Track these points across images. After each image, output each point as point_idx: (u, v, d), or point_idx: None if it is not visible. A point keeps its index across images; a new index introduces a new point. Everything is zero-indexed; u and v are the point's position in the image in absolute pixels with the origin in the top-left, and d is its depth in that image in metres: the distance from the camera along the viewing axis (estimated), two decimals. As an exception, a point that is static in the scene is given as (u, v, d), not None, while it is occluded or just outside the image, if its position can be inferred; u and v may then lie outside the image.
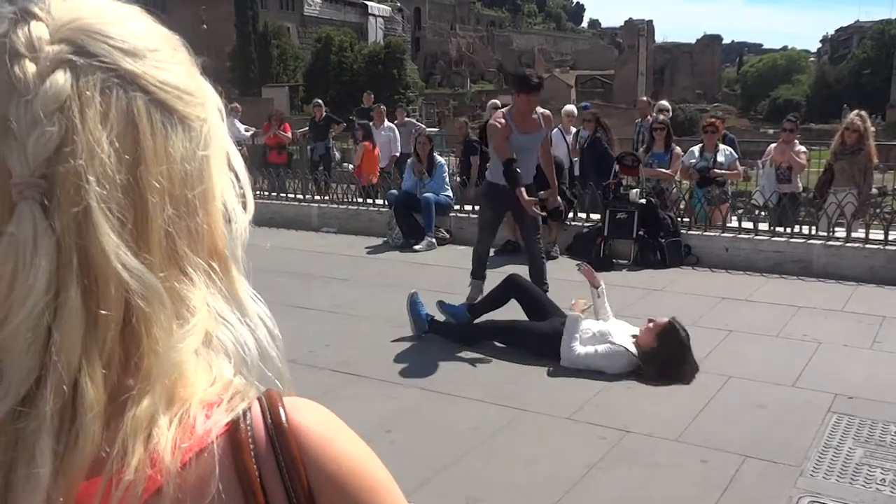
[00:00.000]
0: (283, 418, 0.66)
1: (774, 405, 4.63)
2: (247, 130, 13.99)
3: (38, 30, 0.61)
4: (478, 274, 6.65)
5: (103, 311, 0.60)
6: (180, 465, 0.61)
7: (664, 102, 11.75)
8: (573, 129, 11.18)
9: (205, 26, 59.18)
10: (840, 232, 7.78)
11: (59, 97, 0.59)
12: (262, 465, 0.64)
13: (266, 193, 11.38)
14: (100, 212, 0.59)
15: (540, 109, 6.42)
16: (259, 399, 0.67)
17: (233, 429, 0.64)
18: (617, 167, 9.18)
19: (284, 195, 11.23)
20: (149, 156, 0.62)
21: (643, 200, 8.25)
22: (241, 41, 58.67)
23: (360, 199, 10.64)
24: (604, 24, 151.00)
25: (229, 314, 0.69)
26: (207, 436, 0.63)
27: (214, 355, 0.67)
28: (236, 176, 0.72)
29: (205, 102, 0.69)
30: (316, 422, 0.67)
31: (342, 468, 0.66)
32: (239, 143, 14.32)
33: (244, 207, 0.73)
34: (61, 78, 0.59)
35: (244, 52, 58.16)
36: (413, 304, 5.96)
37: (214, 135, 0.69)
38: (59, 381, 0.58)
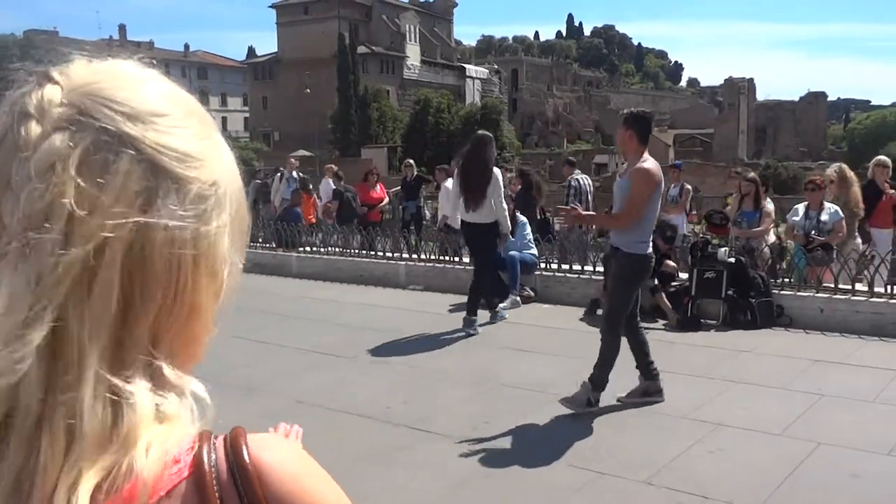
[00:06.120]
0: (246, 458, 0.67)
1: (868, 475, 4.38)
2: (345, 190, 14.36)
3: (51, 93, 0.66)
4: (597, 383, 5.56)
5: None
6: None
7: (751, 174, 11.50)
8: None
9: (308, 90, 61.50)
10: (946, 293, 7.39)
11: (51, 157, 0.63)
12: None
13: (356, 251, 11.63)
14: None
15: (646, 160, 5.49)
16: (224, 438, 0.68)
17: (197, 472, 0.66)
18: (705, 225, 9.02)
19: (374, 253, 11.42)
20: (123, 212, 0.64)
21: (732, 259, 8.04)
22: (343, 104, 60.64)
23: (446, 258, 10.71)
24: (703, 83, 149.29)
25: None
26: (172, 480, 0.65)
27: (176, 403, 0.68)
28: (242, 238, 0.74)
29: (211, 165, 0.71)
30: (281, 461, 0.68)
31: None
32: (330, 201, 14.70)
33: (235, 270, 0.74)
34: (58, 139, 0.64)
35: (345, 115, 60.05)
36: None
37: (223, 198, 0.71)
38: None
